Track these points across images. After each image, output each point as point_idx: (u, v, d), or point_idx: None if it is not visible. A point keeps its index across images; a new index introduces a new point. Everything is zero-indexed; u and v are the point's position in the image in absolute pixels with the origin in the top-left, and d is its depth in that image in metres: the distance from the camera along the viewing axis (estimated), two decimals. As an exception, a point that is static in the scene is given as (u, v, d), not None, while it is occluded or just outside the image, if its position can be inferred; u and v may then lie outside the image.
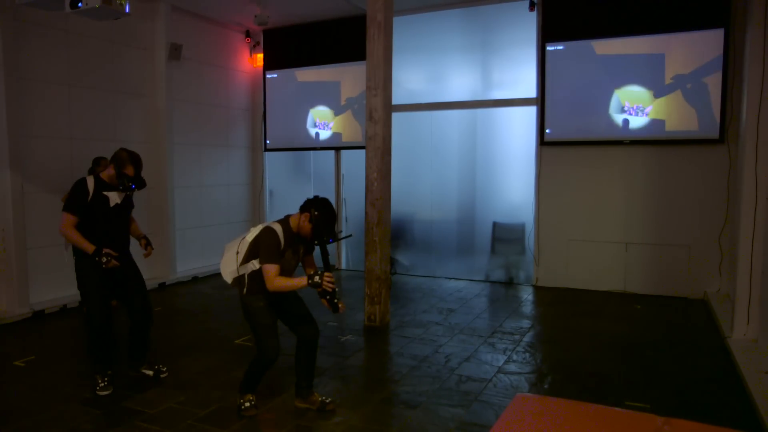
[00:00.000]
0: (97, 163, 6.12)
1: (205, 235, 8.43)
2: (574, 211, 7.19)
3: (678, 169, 6.67)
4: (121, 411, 3.68)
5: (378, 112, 5.54)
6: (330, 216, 3.38)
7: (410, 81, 8.42)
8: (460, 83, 8.11)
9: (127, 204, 4.09)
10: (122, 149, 3.93)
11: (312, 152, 9.02)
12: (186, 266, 8.02)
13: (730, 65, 6.26)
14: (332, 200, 8.57)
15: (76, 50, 6.51)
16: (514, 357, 4.72)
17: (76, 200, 3.83)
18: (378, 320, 5.61)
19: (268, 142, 9.17)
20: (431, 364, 4.55)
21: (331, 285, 3.31)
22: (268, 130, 9.14)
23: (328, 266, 3.42)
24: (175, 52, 7.50)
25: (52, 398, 3.89)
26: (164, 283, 7.45)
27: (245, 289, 3.47)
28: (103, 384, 3.94)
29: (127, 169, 3.84)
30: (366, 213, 5.66)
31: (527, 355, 4.79)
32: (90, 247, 3.77)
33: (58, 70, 6.33)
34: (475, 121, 8.00)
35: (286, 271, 3.43)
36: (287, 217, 3.51)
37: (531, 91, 7.39)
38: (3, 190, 5.73)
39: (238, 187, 9.09)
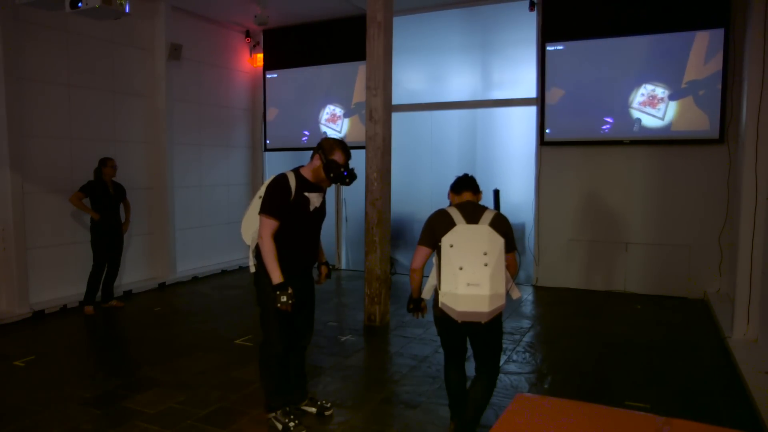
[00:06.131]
0: (104, 164, 6.13)
1: (205, 235, 8.43)
2: (574, 211, 7.19)
3: (678, 169, 6.67)
4: (121, 411, 3.67)
5: (378, 112, 5.54)
6: None
7: (410, 81, 8.42)
8: (460, 83, 8.10)
9: (323, 210, 3.44)
10: (326, 137, 3.37)
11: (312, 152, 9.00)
12: (186, 266, 8.02)
13: (730, 65, 6.26)
14: (332, 201, 8.78)
15: (76, 50, 6.50)
16: (514, 357, 4.72)
17: (278, 200, 3.17)
18: (378, 320, 5.61)
19: (268, 142, 9.17)
20: (431, 364, 4.55)
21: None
22: (268, 130, 9.14)
23: None
24: (175, 52, 7.50)
25: (52, 398, 3.89)
26: (164, 283, 7.44)
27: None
28: (293, 423, 3.34)
29: (335, 155, 3.25)
30: (366, 213, 5.66)
31: (527, 355, 4.79)
32: (278, 277, 3.11)
33: (58, 70, 6.33)
34: (475, 121, 8.00)
35: None
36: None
37: (531, 91, 7.38)
38: (3, 190, 5.73)
39: (238, 187, 9.09)
